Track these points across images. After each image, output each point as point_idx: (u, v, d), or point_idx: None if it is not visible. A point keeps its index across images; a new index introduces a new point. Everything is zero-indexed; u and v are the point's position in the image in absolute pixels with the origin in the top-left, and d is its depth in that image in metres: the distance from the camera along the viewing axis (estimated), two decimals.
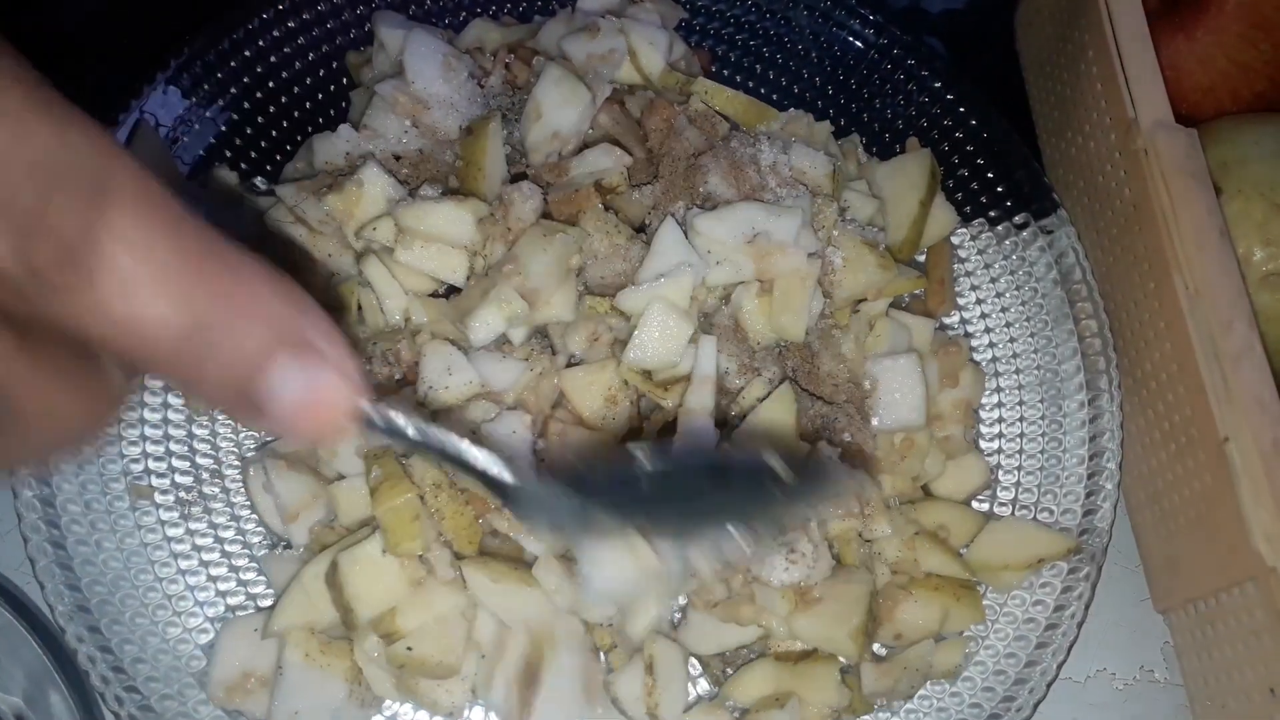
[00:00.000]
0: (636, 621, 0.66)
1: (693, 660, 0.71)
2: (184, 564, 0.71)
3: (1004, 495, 0.78)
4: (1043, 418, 0.80)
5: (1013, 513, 0.77)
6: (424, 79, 0.77)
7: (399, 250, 0.70)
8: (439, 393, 0.67)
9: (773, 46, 0.91)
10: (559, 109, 0.76)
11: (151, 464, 0.73)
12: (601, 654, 0.69)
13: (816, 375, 0.73)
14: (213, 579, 0.71)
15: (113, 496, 0.71)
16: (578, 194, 0.72)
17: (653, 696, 0.67)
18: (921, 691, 0.72)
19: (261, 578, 0.72)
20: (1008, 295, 0.84)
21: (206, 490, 0.74)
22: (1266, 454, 0.65)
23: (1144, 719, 0.76)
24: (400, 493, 0.63)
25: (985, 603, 0.74)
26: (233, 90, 0.84)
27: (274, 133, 0.85)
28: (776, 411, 0.68)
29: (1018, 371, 0.82)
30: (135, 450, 0.73)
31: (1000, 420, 0.81)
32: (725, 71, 0.91)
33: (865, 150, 0.87)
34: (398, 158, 0.77)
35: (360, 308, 0.73)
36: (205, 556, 0.72)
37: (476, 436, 0.59)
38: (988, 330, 0.84)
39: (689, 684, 0.70)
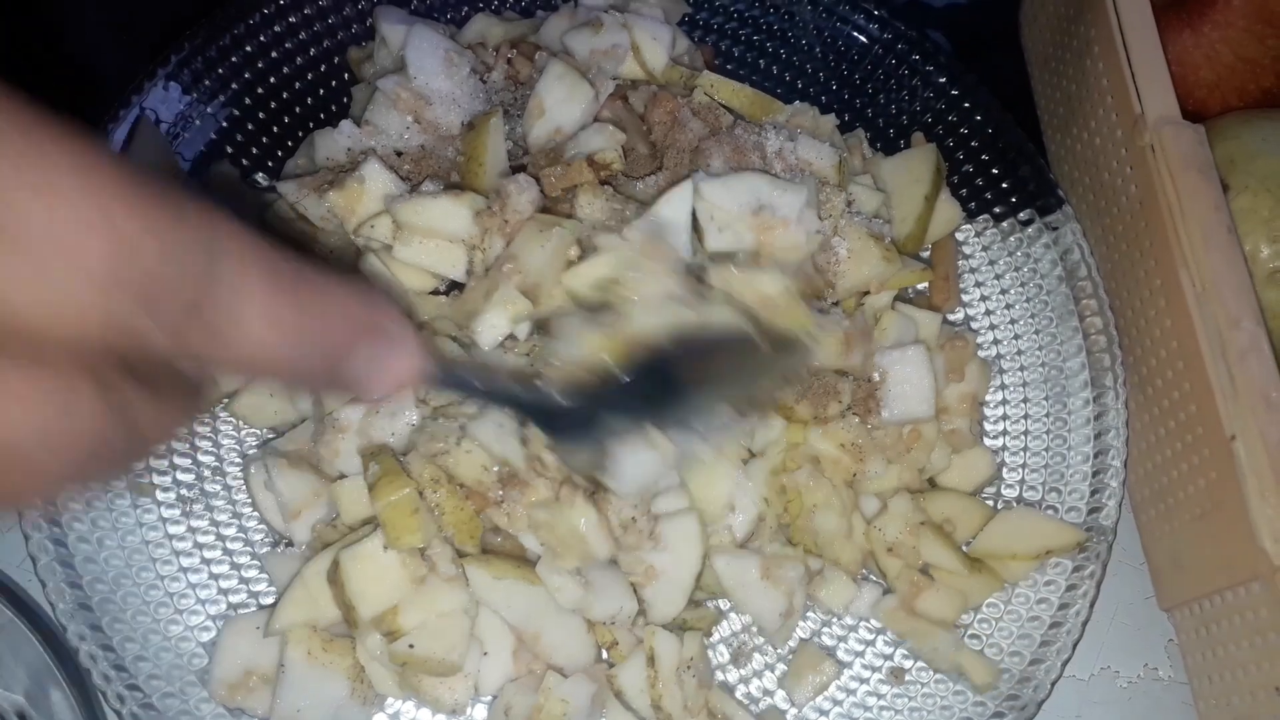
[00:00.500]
0: (663, 499, 0.68)
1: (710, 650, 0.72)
2: (185, 562, 0.71)
3: (1008, 493, 0.78)
4: (1047, 415, 0.80)
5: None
6: (426, 74, 0.77)
7: (397, 246, 0.69)
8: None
9: (776, 41, 0.91)
10: (562, 105, 0.76)
11: (153, 462, 0.73)
12: (603, 651, 0.69)
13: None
14: (214, 577, 0.71)
15: (114, 494, 0.71)
16: (570, 168, 0.71)
17: (656, 688, 0.67)
18: (925, 690, 0.72)
19: (263, 576, 0.72)
20: (1012, 292, 0.84)
21: (208, 488, 0.73)
22: (1273, 451, 0.64)
23: (1148, 717, 0.76)
24: (398, 487, 0.63)
25: (990, 601, 0.74)
26: (233, 86, 0.83)
27: (275, 129, 0.84)
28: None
29: (1022, 368, 0.82)
30: None
31: (1005, 417, 0.80)
32: (728, 67, 0.90)
33: (870, 145, 0.86)
34: (399, 154, 0.77)
35: None
36: (207, 554, 0.71)
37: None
38: (992, 327, 0.83)
39: (700, 672, 0.70)
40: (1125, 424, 0.76)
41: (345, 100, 0.86)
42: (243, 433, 0.76)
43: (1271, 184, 0.74)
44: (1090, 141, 0.83)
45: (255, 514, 0.73)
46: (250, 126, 0.83)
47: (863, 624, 0.74)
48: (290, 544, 0.71)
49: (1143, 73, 0.74)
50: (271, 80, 0.85)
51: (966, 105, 0.86)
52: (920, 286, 0.83)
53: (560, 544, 0.65)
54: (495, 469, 0.66)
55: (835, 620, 0.74)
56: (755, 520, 0.71)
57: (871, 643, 0.74)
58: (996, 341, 0.83)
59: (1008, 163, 0.85)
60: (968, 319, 0.84)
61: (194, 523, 0.72)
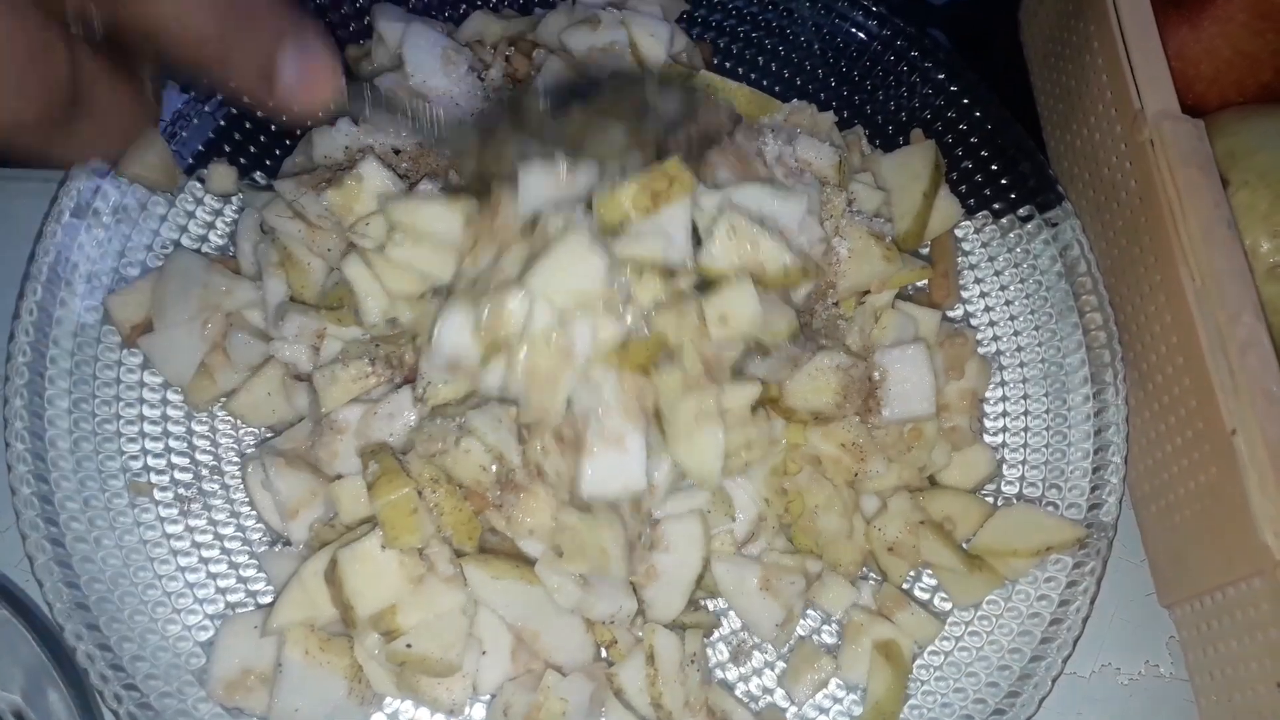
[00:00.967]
0: (671, 501, 0.67)
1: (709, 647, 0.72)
2: (183, 561, 0.71)
3: (1008, 489, 0.78)
4: (1047, 411, 0.79)
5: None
6: (423, 72, 0.77)
7: (390, 247, 0.69)
8: (437, 388, 0.67)
9: (775, 39, 0.90)
10: None
11: (151, 461, 0.73)
12: (602, 649, 0.69)
13: None
14: (212, 576, 0.71)
15: (111, 493, 0.71)
16: None
17: (655, 686, 0.66)
18: (925, 687, 0.71)
19: (261, 575, 0.71)
20: (1012, 288, 0.84)
21: (206, 487, 0.73)
22: (1274, 446, 0.64)
23: (1149, 714, 0.75)
24: (397, 487, 0.63)
25: (990, 599, 0.74)
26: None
27: (272, 127, 0.84)
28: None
29: (1022, 365, 0.81)
30: (134, 447, 0.73)
31: (1005, 414, 0.80)
32: (727, 64, 0.90)
33: (869, 142, 0.86)
34: (397, 152, 0.76)
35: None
36: (205, 553, 0.71)
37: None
38: (992, 323, 0.83)
39: (700, 670, 0.69)
40: (1125, 420, 0.76)
41: None
42: (241, 432, 0.75)
43: (1271, 179, 0.74)
44: (1090, 137, 0.83)
45: (253, 513, 0.72)
46: (247, 125, 0.83)
47: None
48: (288, 543, 0.71)
49: (1142, 68, 0.74)
50: None
51: (966, 102, 0.86)
52: (919, 283, 0.83)
53: (576, 550, 0.64)
54: (494, 467, 0.65)
55: (834, 619, 0.74)
56: (756, 520, 0.71)
57: None
58: (996, 338, 0.83)
59: (1007, 159, 0.84)
60: (967, 315, 0.84)
61: (191, 522, 0.72)
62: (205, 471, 0.74)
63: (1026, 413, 0.80)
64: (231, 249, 0.80)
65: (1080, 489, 0.76)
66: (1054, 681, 0.69)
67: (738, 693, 0.72)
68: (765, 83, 0.90)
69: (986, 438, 0.79)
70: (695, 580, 0.68)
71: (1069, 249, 0.81)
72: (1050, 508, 0.76)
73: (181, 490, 0.73)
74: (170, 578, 0.70)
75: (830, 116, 0.82)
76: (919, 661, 0.72)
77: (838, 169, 0.75)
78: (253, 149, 0.83)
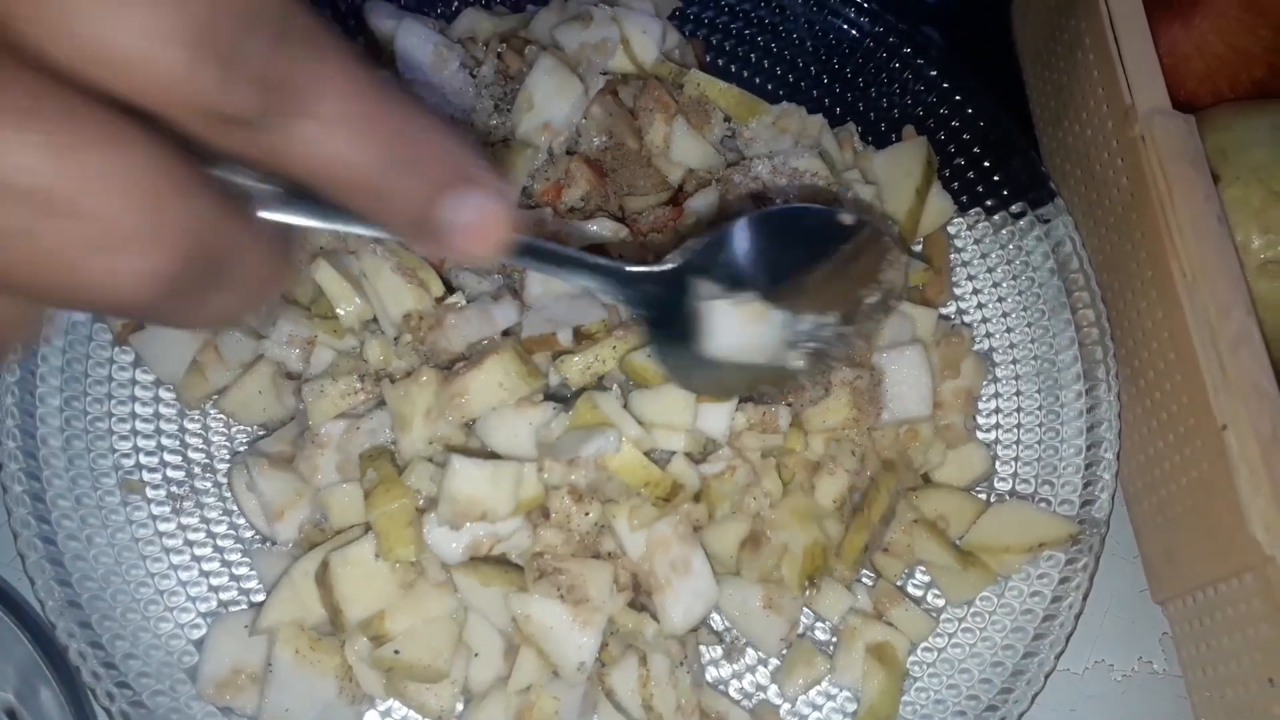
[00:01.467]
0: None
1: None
2: (176, 559, 0.70)
3: (1001, 486, 0.78)
4: (1040, 408, 0.79)
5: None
6: (414, 69, 0.77)
7: (361, 255, 0.68)
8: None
9: (768, 35, 0.90)
10: (551, 100, 0.76)
11: (143, 459, 0.73)
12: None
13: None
14: (205, 574, 0.71)
15: (103, 491, 0.71)
16: (546, 338, 0.68)
17: (647, 688, 0.66)
18: (919, 684, 0.71)
19: (254, 573, 0.71)
20: (1005, 285, 0.84)
21: (198, 485, 0.73)
22: (1265, 442, 0.64)
23: (1142, 710, 0.76)
24: (395, 497, 0.62)
25: (983, 595, 0.74)
26: None
27: None
28: None
29: (1015, 362, 0.81)
30: (126, 445, 0.73)
31: (997, 411, 0.80)
32: (720, 61, 0.90)
33: (861, 139, 0.86)
34: None
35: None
36: (197, 551, 0.71)
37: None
38: (985, 320, 0.83)
39: (692, 672, 0.69)
40: (1118, 416, 0.76)
41: None
42: (233, 429, 0.75)
43: (1263, 174, 0.74)
44: (1082, 134, 0.83)
45: None
46: None
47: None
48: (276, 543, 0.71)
49: (1133, 64, 0.74)
50: None
51: (958, 98, 0.86)
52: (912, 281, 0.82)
53: (574, 589, 0.65)
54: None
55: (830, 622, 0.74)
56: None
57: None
58: (989, 335, 0.83)
59: (1000, 156, 0.84)
60: (960, 313, 0.84)
61: (184, 520, 0.72)
62: (197, 469, 0.74)
63: (1019, 409, 0.80)
64: None
65: (1073, 485, 0.76)
66: (1047, 678, 0.69)
67: (731, 690, 0.72)
68: (757, 80, 0.90)
69: (979, 434, 0.79)
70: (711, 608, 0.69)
71: (1061, 245, 0.81)
72: (1043, 504, 0.76)
73: (174, 488, 0.73)
74: (162, 575, 0.70)
75: (820, 119, 0.82)
76: (912, 658, 0.72)
77: (824, 164, 0.75)
78: None
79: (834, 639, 0.73)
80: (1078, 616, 0.71)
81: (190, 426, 0.75)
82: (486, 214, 0.37)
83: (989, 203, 0.85)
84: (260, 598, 0.70)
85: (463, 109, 0.77)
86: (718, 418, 0.66)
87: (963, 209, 0.85)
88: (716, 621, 0.73)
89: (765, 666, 0.72)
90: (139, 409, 0.74)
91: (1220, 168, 0.74)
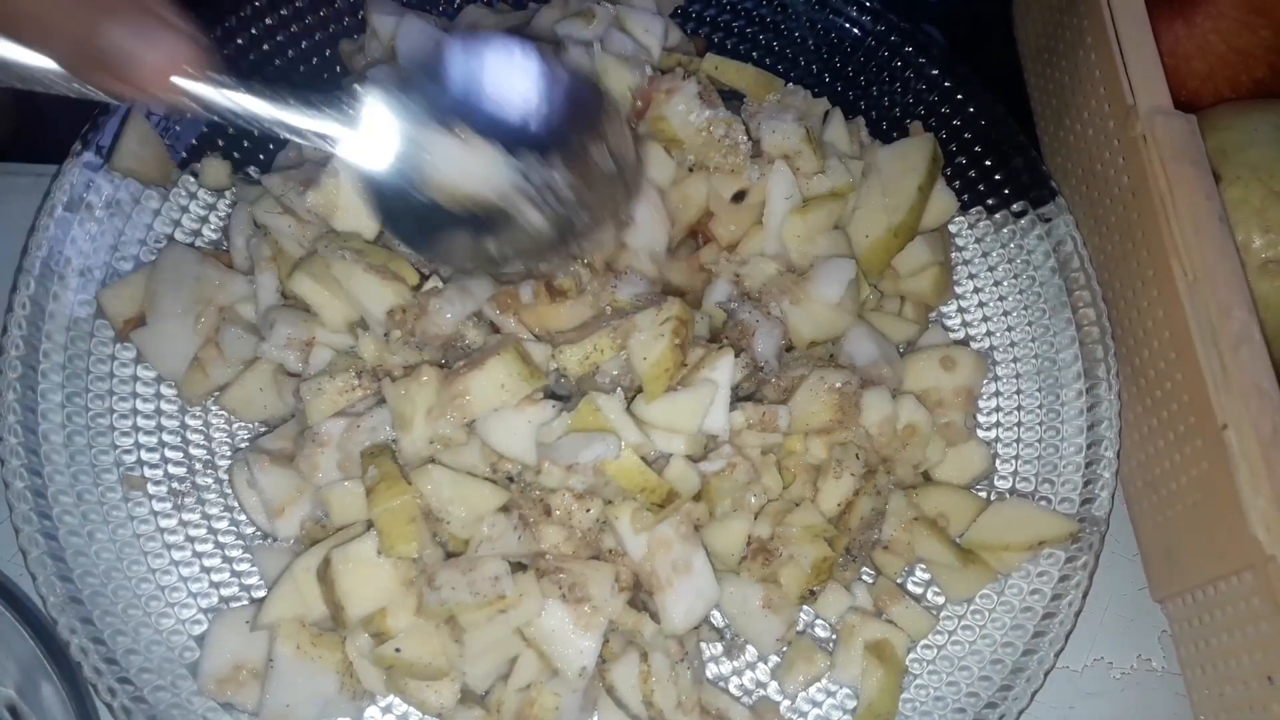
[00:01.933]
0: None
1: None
2: (177, 555, 0.70)
3: (1001, 485, 0.78)
4: (1040, 406, 0.79)
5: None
6: (416, 65, 0.77)
7: (335, 265, 0.68)
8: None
9: (769, 33, 0.90)
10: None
11: (144, 455, 0.73)
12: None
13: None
14: (206, 570, 0.71)
15: (105, 488, 0.71)
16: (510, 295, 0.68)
17: (648, 684, 0.66)
18: (919, 681, 0.72)
19: (255, 569, 0.71)
20: (1005, 284, 0.84)
21: (199, 481, 0.73)
22: (1265, 441, 0.64)
23: (1141, 707, 0.76)
24: (397, 494, 0.62)
25: (983, 593, 0.74)
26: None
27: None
28: None
29: (1015, 360, 0.82)
30: (128, 441, 0.73)
31: (998, 409, 0.80)
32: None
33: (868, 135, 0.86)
34: None
35: None
36: (198, 547, 0.71)
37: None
38: (985, 319, 0.83)
39: (692, 669, 0.69)
40: (1118, 415, 0.76)
41: (337, 93, 0.85)
42: (234, 426, 0.75)
43: (1263, 174, 0.74)
44: (1083, 133, 0.83)
45: None
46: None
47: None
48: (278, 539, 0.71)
49: (1135, 63, 0.74)
50: (262, 73, 0.84)
51: (960, 97, 0.86)
52: (913, 282, 0.82)
53: (575, 587, 0.65)
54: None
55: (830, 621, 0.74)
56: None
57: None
58: (990, 334, 0.83)
59: (1001, 155, 0.85)
60: (961, 311, 0.84)
61: (185, 515, 0.72)
62: (199, 465, 0.74)
63: (1020, 408, 0.80)
64: (225, 243, 0.80)
65: (1073, 484, 0.76)
66: (1046, 675, 0.70)
67: (731, 686, 0.72)
68: None
69: (980, 433, 0.79)
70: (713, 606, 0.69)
71: (1062, 244, 0.82)
72: (1043, 502, 0.76)
73: (175, 484, 0.73)
74: (164, 571, 0.70)
75: (825, 103, 0.82)
76: (913, 655, 0.72)
77: (807, 141, 0.75)
78: (246, 143, 0.83)
79: (834, 636, 0.73)
80: (1077, 614, 0.71)
81: (191, 422, 0.75)
82: (155, 38, 0.35)
83: (990, 201, 0.85)
84: (261, 593, 0.70)
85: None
86: (718, 413, 0.66)
87: (964, 207, 0.85)
88: (717, 618, 0.73)
89: (765, 663, 0.73)
90: (140, 405, 0.74)
91: (1221, 167, 0.74)
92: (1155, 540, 0.78)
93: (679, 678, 0.67)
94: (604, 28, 0.79)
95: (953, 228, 0.85)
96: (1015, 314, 0.83)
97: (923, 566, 0.76)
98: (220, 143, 0.82)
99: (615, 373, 0.68)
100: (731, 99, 0.80)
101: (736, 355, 0.68)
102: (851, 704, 0.71)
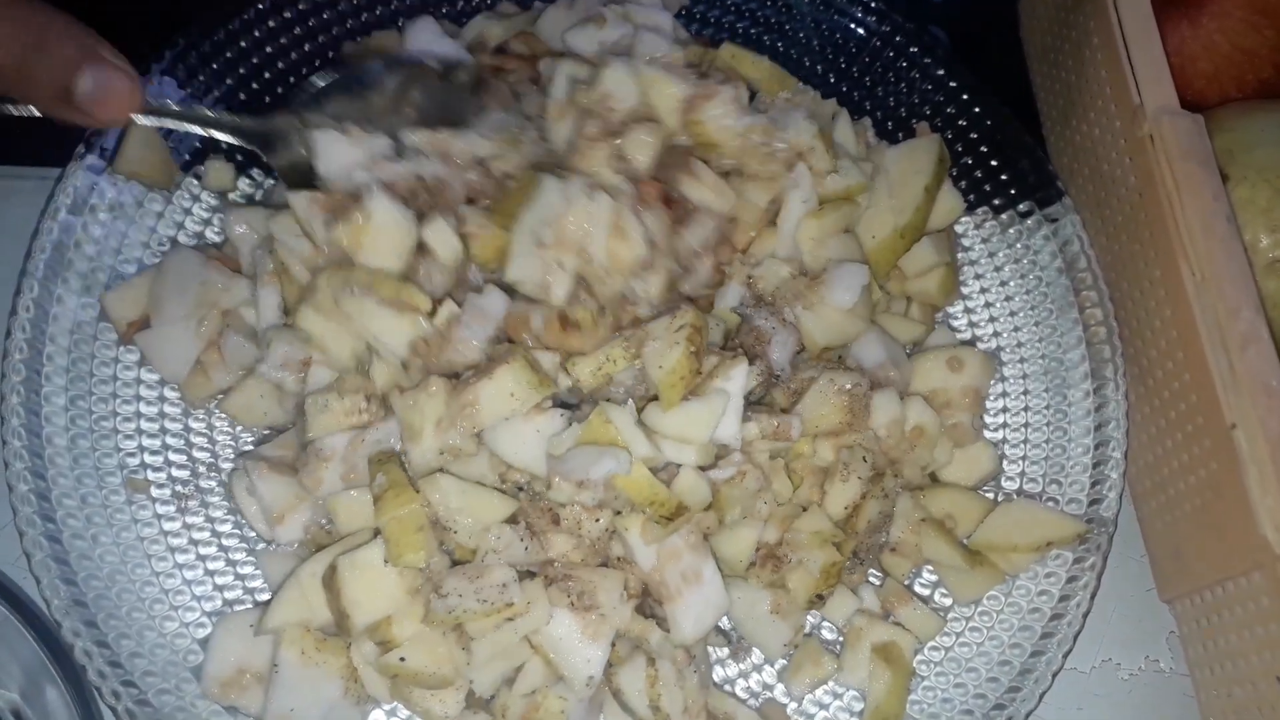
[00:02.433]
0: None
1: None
2: (181, 558, 0.70)
3: (1008, 485, 0.78)
4: (1047, 407, 0.79)
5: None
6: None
7: (343, 302, 0.66)
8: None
9: (774, 34, 0.90)
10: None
11: (148, 458, 0.73)
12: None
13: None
14: (210, 573, 0.70)
15: (109, 491, 0.70)
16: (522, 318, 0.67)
17: (655, 688, 0.66)
18: (926, 682, 0.71)
19: (259, 572, 0.71)
20: (1012, 284, 0.83)
21: (203, 484, 0.73)
22: (1274, 441, 0.64)
23: (1149, 709, 0.75)
24: (405, 502, 0.62)
25: (990, 594, 0.73)
26: (228, 81, 0.83)
27: None
28: None
29: (1022, 361, 0.81)
30: (131, 444, 0.73)
31: (1005, 410, 0.80)
32: None
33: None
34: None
35: None
36: (202, 551, 0.71)
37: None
38: (992, 319, 0.83)
39: (702, 670, 0.69)
40: (1126, 415, 0.76)
41: None
42: (238, 429, 0.75)
43: (1270, 174, 0.74)
44: (1089, 133, 0.83)
45: None
46: None
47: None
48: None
49: (1141, 63, 0.74)
50: (266, 75, 0.84)
51: (965, 98, 0.86)
52: (919, 283, 0.82)
53: (584, 595, 0.65)
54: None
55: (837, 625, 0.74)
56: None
57: None
58: (996, 334, 0.83)
59: (1007, 155, 0.84)
60: (967, 312, 0.84)
61: (189, 519, 0.72)
62: (202, 469, 0.73)
63: (1027, 409, 0.80)
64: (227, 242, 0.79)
65: (1080, 484, 0.76)
66: (1054, 676, 0.69)
67: (738, 688, 0.71)
68: None
69: (987, 433, 0.79)
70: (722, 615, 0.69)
71: (1069, 245, 0.81)
72: (1051, 503, 0.76)
73: (179, 487, 0.72)
74: (168, 575, 0.69)
75: (834, 104, 0.82)
76: (920, 657, 0.72)
77: (820, 138, 0.75)
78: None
79: (841, 638, 0.73)
80: (1085, 615, 0.71)
81: (195, 425, 0.75)
82: (112, 83, 0.51)
83: (996, 202, 0.85)
84: (265, 596, 0.70)
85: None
86: (730, 423, 0.66)
87: (970, 208, 0.85)
88: (724, 622, 0.73)
89: (772, 665, 0.72)
90: (144, 408, 0.74)
91: (1228, 167, 0.74)
92: (1163, 541, 0.77)
93: (686, 682, 0.67)
94: (619, 31, 0.78)
95: (959, 228, 0.85)
96: (1022, 314, 0.83)
97: (930, 568, 0.75)
98: (223, 145, 0.82)
99: (630, 382, 0.67)
100: None
101: (751, 363, 0.68)
102: (859, 706, 0.71)
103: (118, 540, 0.69)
